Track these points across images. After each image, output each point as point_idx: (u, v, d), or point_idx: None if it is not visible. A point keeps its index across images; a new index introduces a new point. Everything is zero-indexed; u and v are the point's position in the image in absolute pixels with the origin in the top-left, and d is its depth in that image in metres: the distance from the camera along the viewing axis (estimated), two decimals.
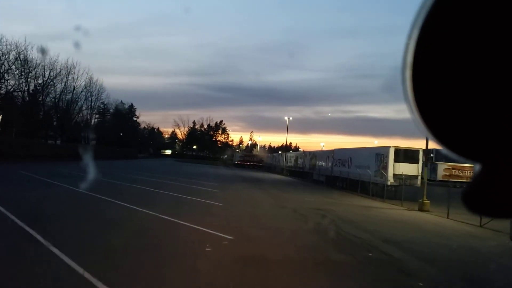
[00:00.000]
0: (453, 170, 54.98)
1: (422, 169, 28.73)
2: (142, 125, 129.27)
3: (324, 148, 66.16)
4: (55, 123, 58.70)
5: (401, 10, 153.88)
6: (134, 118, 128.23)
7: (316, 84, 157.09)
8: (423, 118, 0.63)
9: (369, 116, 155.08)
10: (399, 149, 29.39)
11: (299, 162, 55.78)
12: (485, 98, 0.59)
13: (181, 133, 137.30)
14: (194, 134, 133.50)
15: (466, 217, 18.99)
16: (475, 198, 0.65)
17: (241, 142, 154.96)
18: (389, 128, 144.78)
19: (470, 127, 0.61)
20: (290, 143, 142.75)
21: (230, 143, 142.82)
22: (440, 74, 0.60)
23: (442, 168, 55.73)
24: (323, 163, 45.04)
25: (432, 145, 27.17)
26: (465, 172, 55.53)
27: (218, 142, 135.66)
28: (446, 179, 51.39)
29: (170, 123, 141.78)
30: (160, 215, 13.31)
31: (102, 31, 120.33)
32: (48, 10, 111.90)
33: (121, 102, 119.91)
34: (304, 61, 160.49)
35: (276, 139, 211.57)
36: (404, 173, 28.58)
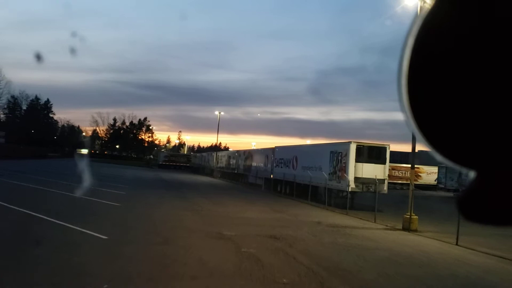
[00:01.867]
0: (393, 171, 50.61)
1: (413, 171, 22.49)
2: (61, 123, 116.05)
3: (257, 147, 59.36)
4: None
5: (326, 15, 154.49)
6: (51, 115, 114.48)
7: (245, 85, 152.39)
8: (418, 125, 0.63)
9: (295, 117, 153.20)
10: (362, 145, 22.90)
11: (231, 163, 48.32)
12: (480, 106, 0.59)
13: (100, 131, 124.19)
14: (118, 132, 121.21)
15: (477, 240, 12.83)
16: (471, 205, 0.64)
17: (168, 141, 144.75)
18: (314, 129, 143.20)
19: (466, 135, 0.61)
20: (220, 143, 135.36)
21: (158, 142, 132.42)
22: (436, 82, 0.60)
23: None
24: (261, 164, 37.95)
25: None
26: (404, 173, 51.56)
27: (145, 142, 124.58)
28: None
29: (92, 121, 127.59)
30: None
31: (15, 23, 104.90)
32: None
33: (36, 97, 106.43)
34: (233, 61, 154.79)
35: (205, 139, 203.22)
36: (370, 175, 22.20)
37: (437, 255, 11.57)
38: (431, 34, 0.60)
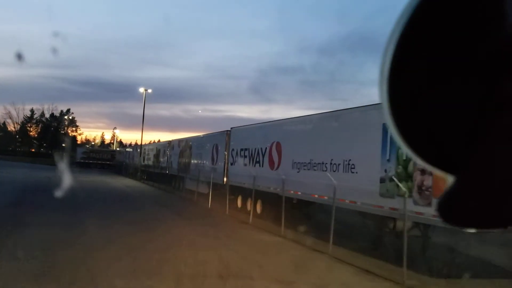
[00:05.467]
0: None
1: None
2: None
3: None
4: None
5: (263, 15, 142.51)
6: None
7: (185, 82, 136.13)
8: (399, 129, 0.61)
9: (237, 115, 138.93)
10: None
11: (162, 160, 31.80)
12: (458, 112, 0.58)
13: (13, 125, 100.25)
14: (48, 128, 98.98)
15: None
16: (451, 209, 0.64)
17: (102, 138, 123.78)
18: None
19: (444, 140, 0.60)
20: (159, 140, 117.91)
21: (93, 140, 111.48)
22: (416, 88, 0.60)
23: None
24: (206, 160, 21.92)
25: None
26: None
27: (77, 139, 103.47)
28: None
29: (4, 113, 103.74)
30: None
31: None
32: None
33: None
34: (172, 59, 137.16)
35: (145, 137, 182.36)
36: None
37: None
38: (412, 39, 0.58)
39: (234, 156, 17.89)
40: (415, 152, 0.62)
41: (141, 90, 41.58)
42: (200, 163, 22.71)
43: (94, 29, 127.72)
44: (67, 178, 25.95)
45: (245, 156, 16.83)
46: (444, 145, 0.61)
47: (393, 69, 0.59)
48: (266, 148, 15.00)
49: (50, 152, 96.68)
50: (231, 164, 18.18)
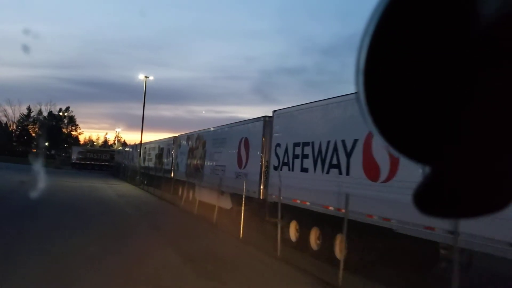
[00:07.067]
0: None
1: None
2: None
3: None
4: None
5: (266, 16, 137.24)
6: None
7: (188, 83, 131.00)
8: (375, 121, 0.61)
9: (239, 116, 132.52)
10: None
11: (165, 160, 24.76)
12: (432, 103, 0.58)
13: (9, 125, 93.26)
14: (52, 128, 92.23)
15: None
16: (426, 199, 0.63)
17: (105, 138, 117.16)
18: None
19: (419, 130, 0.60)
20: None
21: (96, 140, 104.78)
22: (391, 79, 0.59)
23: None
24: (229, 163, 14.87)
25: None
26: None
27: (79, 139, 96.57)
28: None
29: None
30: None
31: None
32: None
33: None
34: (176, 59, 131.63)
35: (148, 138, 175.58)
36: None
37: None
38: (386, 33, 0.57)
39: (281, 156, 10.87)
40: (390, 143, 0.61)
41: (141, 77, 34.80)
42: (219, 166, 15.69)
43: (96, 30, 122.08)
44: (44, 183, 18.81)
45: (303, 156, 9.80)
46: (418, 135, 0.59)
47: (369, 60, 0.57)
48: (354, 140, 7.99)
49: (49, 152, 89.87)
50: (275, 168, 11.17)
